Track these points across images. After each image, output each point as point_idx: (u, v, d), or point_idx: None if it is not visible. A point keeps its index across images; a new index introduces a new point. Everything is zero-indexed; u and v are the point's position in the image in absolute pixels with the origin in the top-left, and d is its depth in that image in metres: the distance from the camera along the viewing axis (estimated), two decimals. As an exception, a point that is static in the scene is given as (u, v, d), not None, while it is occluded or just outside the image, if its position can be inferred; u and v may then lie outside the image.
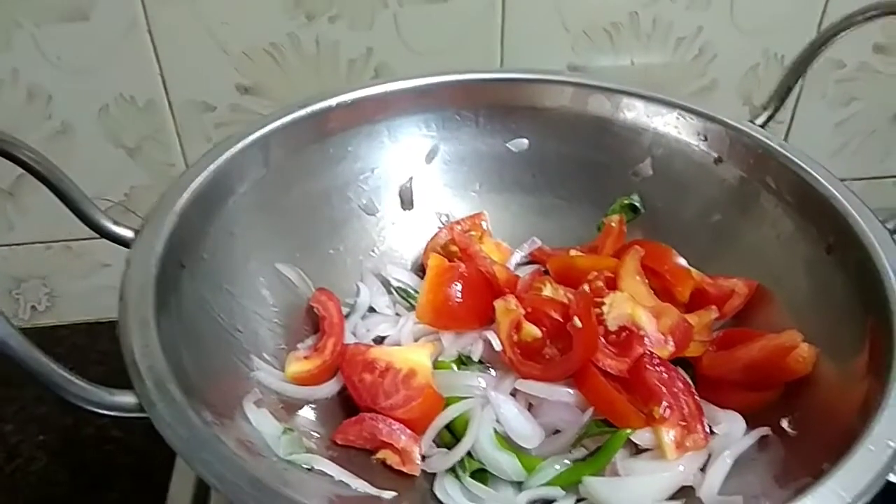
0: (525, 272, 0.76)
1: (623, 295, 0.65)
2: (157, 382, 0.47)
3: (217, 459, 0.45)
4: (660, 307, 0.65)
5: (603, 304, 0.64)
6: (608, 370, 0.62)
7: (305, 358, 0.66)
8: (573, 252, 0.74)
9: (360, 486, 0.56)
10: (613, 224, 0.75)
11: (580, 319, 0.61)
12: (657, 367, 0.60)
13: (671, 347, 0.63)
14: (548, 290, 0.68)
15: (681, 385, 0.60)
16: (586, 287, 0.66)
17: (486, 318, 0.68)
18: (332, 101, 0.73)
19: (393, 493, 0.57)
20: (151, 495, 0.86)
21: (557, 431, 0.62)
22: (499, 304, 0.66)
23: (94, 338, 1.05)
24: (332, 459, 0.57)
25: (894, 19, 0.67)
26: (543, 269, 0.76)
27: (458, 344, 0.68)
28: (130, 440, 0.92)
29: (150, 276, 0.54)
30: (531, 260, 0.79)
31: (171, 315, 0.54)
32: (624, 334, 0.63)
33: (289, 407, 0.62)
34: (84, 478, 0.89)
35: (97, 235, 0.97)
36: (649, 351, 0.61)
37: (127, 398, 0.47)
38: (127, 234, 0.59)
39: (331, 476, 0.56)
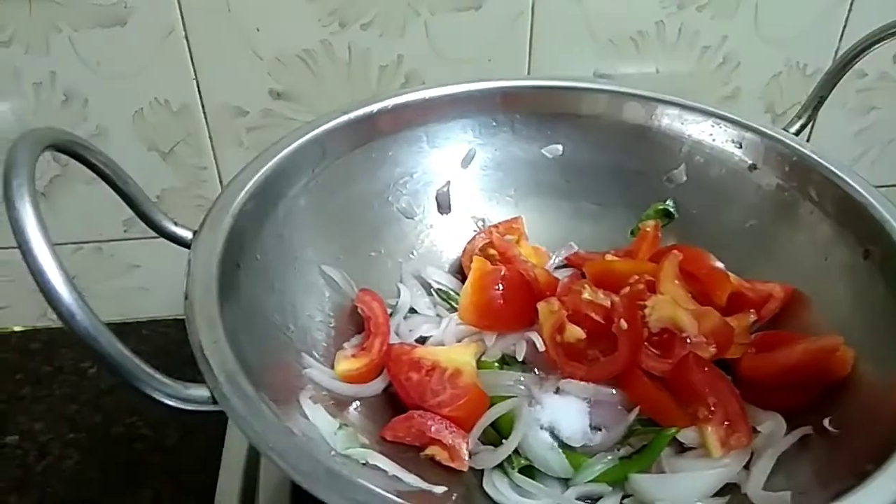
0: (562, 276, 0.77)
1: (665, 298, 0.66)
2: (229, 377, 0.49)
3: (292, 450, 0.46)
4: (700, 310, 0.66)
5: (645, 306, 0.66)
6: (651, 371, 0.63)
7: (353, 356, 0.67)
8: (609, 257, 0.76)
9: (413, 480, 0.57)
10: (649, 229, 0.76)
11: (626, 321, 0.63)
12: (701, 368, 0.61)
13: (713, 349, 0.64)
14: (587, 294, 0.69)
15: (724, 385, 0.62)
16: (628, 289, 0.67)
17: (528, 320, 0.70)
18: (376, 107, 0.74)
19: (443, 488, 0.58)
20: (182, 493, 0.87)
21: (602, 430, 0.64)
22: (542, 305, 0.67)
23: (123, 338, 1.02)
24: (383, 455, 0.58)
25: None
26: (580, 273, 0.77)
27: (501, 344, 0.70)
28: (160, 438, 0.93)
29: (213, 276, 0.55)
30: (568, 264, 0.80)
31: (233, 312, 0.55)
32: (666, 336, 0.65)
33: (339, 404, 0.63)
34: (114, 476, 0.90)
35: (127, 237, 1.00)
36: (692, 352, 0.63)
37: (200, 391, 0.48)
38: (186, 234, 0.60)
39: (384, 471, 0.57)
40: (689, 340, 0.64)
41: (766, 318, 0.70)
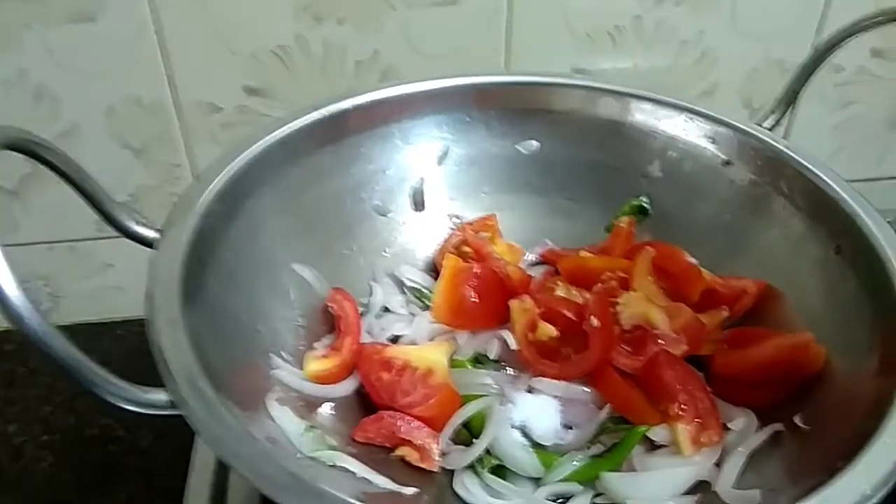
0: (536, 273, 0.76)
1: (637, 294, 0.66)
2: (189, 380, 0.48)
3: (253, 455, 0.46)
4: (672, 307, 0.66)
5: (617, 303, 0.65)
6: (623, 368, 0.63)
7: (323, 357, 0.66)
8: (583, 253, 0.75)
9: (382, 482, 0.57)
10: (623, 225, 0.76)
11: (597, 318, 0.62)
12: (672, 366, 0.61)
13: (685, 346, 0.64)
14: (560, 291, 0.69)
15: (695, 382, 0.61)
16: (600, 287, 0.67)
17: (501, 318, 0.69)
18: (347, 104, 0.73)
19: (414, 489, 0.57)
20: (157, 495, 0.86)
21: (574, 428, 0.63)
22: (514, 303, 0.67)
23: (97, 339, 1.04)
24: (352, 456, 0.58)
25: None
26: (554, 269, 0.77)
27: (473, 343, 0.69)
28: (135, 440, 0.92)
29: (176, 276, 0.55)
30: (542, 261, 0.80)
31: (197, 313, 0.54)
32: (638, 333, 0.65)
33: (308, 405, 0.63)
34: (89, 478, 0.89)
35: (100, 236, 0.99)
36: (664, 349, 0.62)
37: (159, 395, 0.47)
38: (150, 234, 0.59)
39: (353, 472, 0.56)
40: (660, 337, 0.63)
41: (739, 314, 0.69)
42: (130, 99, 0.90)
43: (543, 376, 0.64)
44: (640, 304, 0.65)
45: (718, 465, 0.59)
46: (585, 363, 0.63)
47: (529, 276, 0.73)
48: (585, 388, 0.64)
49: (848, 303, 0.61)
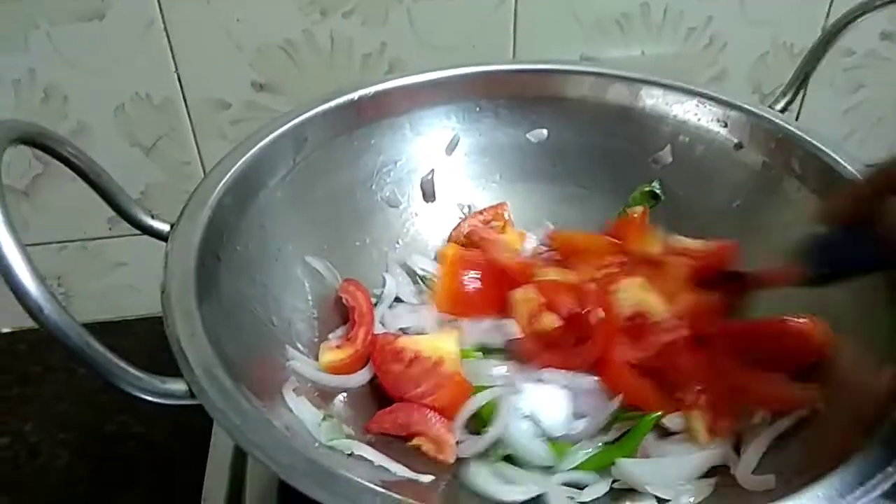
0: (542, 258, 0.76)
1: (636, 281, 0.66)
2: (206, 370, 0.48)
3: (272, 443, 0.46)
4: (671, 291, 0.65)
5: (617, 290, 0.65)
6: (629, 359, 0.62)
7: (338, 347, 0.66)
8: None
9: (400, 470, 0.57)
10: (636, 215, 0.76)
11: (599, 308, 0.62)
12: (684, 353, 0.61)
13: (685, 330, 0.63)
14: (554, 274, 0.69)
15: (710, 369, 0.61)
16: (599, 274, 0.67)
17: (503, 306, 0.69)
18: (355, 95, 0.73)
19: (430, 477, 0.57)
20: (174, 491, 0.87)
21: (585, 417, 0.63)
22: (517, 293, 0.66)
23: (110, 337, 1.01)
24: (369, 445, 0.58)
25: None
26: (557, 254, 0.77)
27: (477, 331, 0.69)
28: (152, 436, 0.92)
29: (190, 268, 0.55)
30: (549, 247, 0.79)
31: (212, 305, 0.54)
32: (638, 320, 0.64)
33: (324, 395, 0.63)
34: (106, 475, 0.89)
35: (113, 234, 0.99)
36: (674, 337, 0.62)
37: (178, 385, 0.47)
38: (163, 227, 0.59)
39: (370, 461, 0.56)
40: (663, 323, 0.63)
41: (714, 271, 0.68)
42: (139, 96, 0.90)
43: (549, 366, 0.64)
44: (639, 291, 0.65)
45: (736, 448, 0.59)
46: (587, 354, 0.63)
47: (531, 265, 0.72)
48: (595, 378, 0.63)
49: (864, 286, 0.61)
